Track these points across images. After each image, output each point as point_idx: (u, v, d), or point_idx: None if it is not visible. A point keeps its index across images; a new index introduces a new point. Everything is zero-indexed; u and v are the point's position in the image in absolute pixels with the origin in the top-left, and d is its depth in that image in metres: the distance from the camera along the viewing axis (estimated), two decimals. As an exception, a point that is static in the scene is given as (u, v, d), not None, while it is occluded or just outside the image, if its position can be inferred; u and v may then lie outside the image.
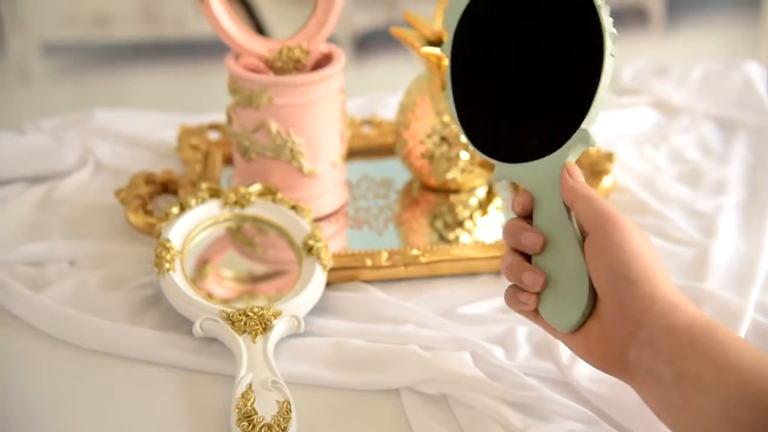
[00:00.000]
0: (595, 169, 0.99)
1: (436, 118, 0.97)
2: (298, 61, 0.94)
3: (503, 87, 0.68)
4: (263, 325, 0.76)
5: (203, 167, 1.04)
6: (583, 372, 0.73)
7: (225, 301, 0.83)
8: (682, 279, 0.85)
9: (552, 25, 0.66)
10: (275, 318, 0.77)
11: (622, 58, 1.33)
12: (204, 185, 0.88)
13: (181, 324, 0.81)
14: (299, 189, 0.94)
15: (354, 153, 1.07)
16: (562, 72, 0.65)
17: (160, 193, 0.99)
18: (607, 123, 1.13)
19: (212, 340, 0.79)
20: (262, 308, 0.77)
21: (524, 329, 0.79)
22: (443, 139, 0.97)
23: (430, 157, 0.98)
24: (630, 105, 1.18)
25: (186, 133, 1.08)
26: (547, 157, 0.67)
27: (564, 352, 0.75)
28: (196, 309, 0.78)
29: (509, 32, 0.68)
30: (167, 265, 0.81)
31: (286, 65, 0.94)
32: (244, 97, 0.92)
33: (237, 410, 0.69)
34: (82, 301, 0.84)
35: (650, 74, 1.25)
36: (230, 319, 0.76)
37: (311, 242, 0.85)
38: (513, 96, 0.68)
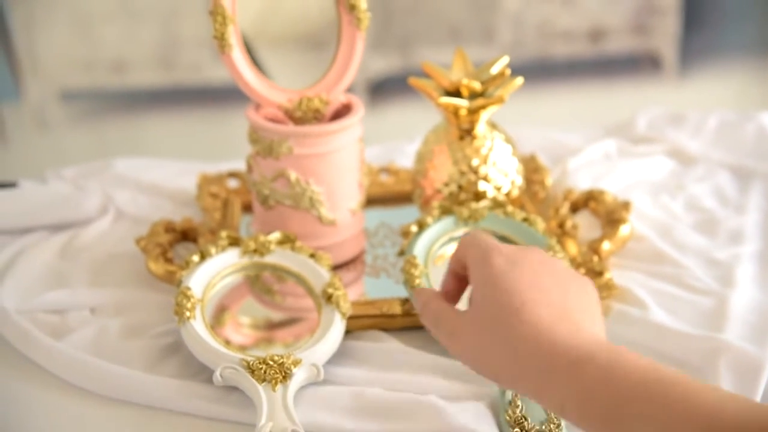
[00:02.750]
0: (612, 218, 0.99)
1: (454, 167, 0.98)
2: (317, 111, 0.95)
3: None
4: (283, 374, 0.77)
5: (222, 215, 1.05)
6: None
7: (243, 348, 0.83)
8: (701, 329, 0.85)
9: None
10: (295, 366, 0.77)
11: (636, 105, 1.35)
12: (224, 233, 0.89)
13: (201, 372, 0.82)
14: (318, 237, 0.95)
15: (372, 200, 1.08)
16: None
17: (179, 241, 1.00)
18: (623, 171, 1.14)
19: (232, 389, 0.79)
20: (282, 357, 0.77)
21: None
22: (461, 187, 0.98)
23: (447, 205, 0.99)
24: (646, 153, 1.19)
25: (205, 181, 1.09)
26: None
27: None
28: (217, 357, 0.78)
29: None
30: (188, 314, 0.81)
31: (305, 115, 0.95)
32: (264, 146, 0.93)
33: None
34: (103, 349, 0.84)
35: (665, 123, 1.26)
36: (250, 368, 0.77)
37: (330, 290, 0.85)
38: None
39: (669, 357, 0.82)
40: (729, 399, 0.53)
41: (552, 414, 0.74)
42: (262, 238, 0.89)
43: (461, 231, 0.93)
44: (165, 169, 1.17)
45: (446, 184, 0.98)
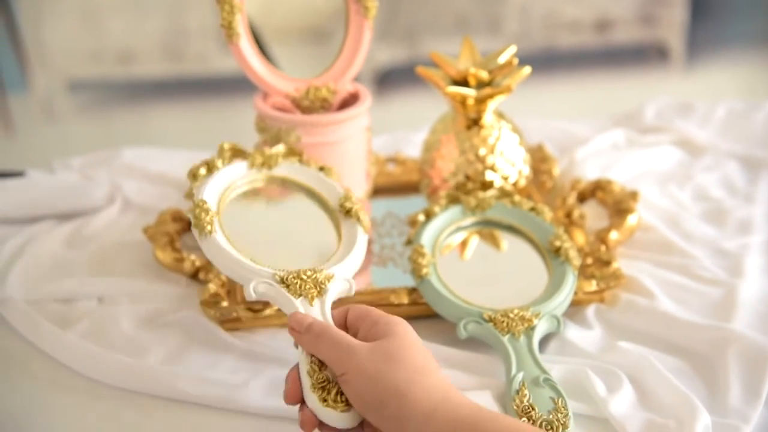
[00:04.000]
0: (619, 208, 0.99)
1: (461, 156, 0.98)
2: (325, 100, 0.95)
3: None
4: (318, 288, 0.74)
5: (229, 205, 1.05)
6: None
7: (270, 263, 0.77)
8: (709, 318, 0.85)
9: None
10: (328, 281, 0.75)
11: (643, 95, 1.34)
12: (226, 145, 0.85)
13: (211, 363, 0.82)
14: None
15: (379, 190, 1.08)
16: None
17: (187, 230, 1.00)
18: (630, 161, 1.14)
19: (246, 377, 0.79)
20: (314, 271, 0.75)
21: (555, 367, 0.79)
22: (468, 177, 0.98)
23: (455, 195, 0.99)
24: (653, 143, 1.19)
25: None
26: None
27: (599, 387, 0.76)
28: (247, 272, 0.75)
29: None
30: (208, 227, 0.77)
31: (313, 104, 0.95)
32: (272, 135, 0.93)
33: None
34: (110, 338, 0.84)
35: (673, 113, 1.26)
36: (285, 282, 0.73)
37: (348, 204, 0.82)
38: None
39: (677, 347, 0.82)
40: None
41: (560, 403, 0.74)
42: (267, 150, 0.85)
43: (469, 220, 0.93)
44: (172, 159, 1.17)
45: (453, 174, 0.98)
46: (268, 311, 0.87)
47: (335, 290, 0.75)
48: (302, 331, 0.68)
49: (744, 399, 0.75)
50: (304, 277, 0.74)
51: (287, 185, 0.85)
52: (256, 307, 0.87)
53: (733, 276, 0.91)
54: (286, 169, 0.85)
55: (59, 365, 0.83)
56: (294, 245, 0.83)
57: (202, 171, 0.82)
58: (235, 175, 0.83)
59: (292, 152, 0.87)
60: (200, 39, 2.75)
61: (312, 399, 0.66)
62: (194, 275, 0.93)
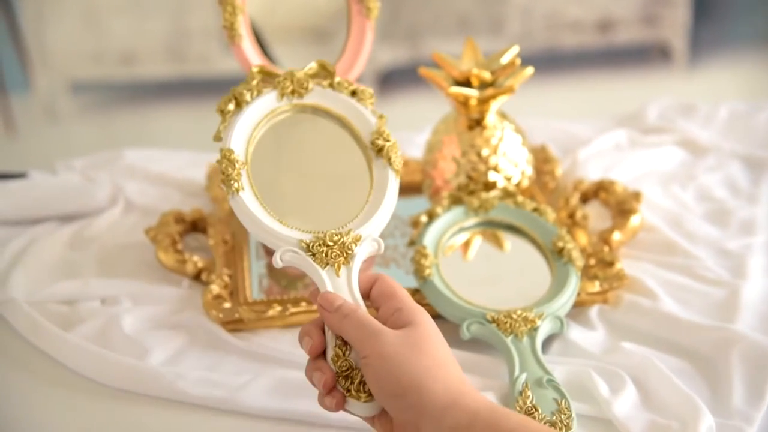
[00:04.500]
0: (622, 208, 0.99)
1: (464, 157, 0.98)
2: (327, 101, 0.95)
3: None
4: (345, 255, 0.71)
5: (232, 206, 1.05)
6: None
7: (295, 219, 0.73)
8: (712, 319, 0.85)
9: None
10: (356, 244, 0.71)
11: (646, 96, 1.34)
12: (255, 68, 0.78)
13: (213, 364, 0.82)
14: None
15: (381, 191, 1.08)
16: None
17: (189, 231, 1.00)
18: (633, 161, 1.13)
19: (247, 379, 0.79)
20: (340, 235, 0.71)
21: (558, 369, 0.79)
22: (470, 178, 0.97)
23: (457, 196, 0.98)
24: (656, 144, 1.18)
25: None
26: None
27: (603, 388, 0.76)
28: (273, 237, 0.71)
29: None
30: (235, 185, 0.72)
31: (315, 105, 0.94)
32: (274, 136, 0.92)
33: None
34: (113, 340, 0.84)
35: (676, 113, 1.25)
36: (311, 250, 0.70)
37: (379, 142, 0.76)
38: None
39: (680, 347, 0.82)
40: None
41: (563, 404, 0.74)
42: (298, 73, 0.79)
43: (471, 221, 0.93)
44: (174, 160, 1.17)
45: (456, 175, 0.98)
46: (270, 312, 0.87)
47: (363, 253, 0.72)
48: (331, 311, 0.67)
49: (747, 400, 0.75)
50: (331, 243, 0.70)
51: (318, 114, 0.79)
52: (259, 309, 0.87)
53: (736, 276, 0.91)
54: (317, 96, 0.79)
55: (61, 366, 0.83)
56: (326, 193, 0.78)
57: (231, 106, 0.76)
58: (265, 109, 0.77)
59: (324, 68, 0.80)
60: (202, 40, 2.74)
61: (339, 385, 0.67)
62: (196, 276, 0.93)
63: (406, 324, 0.66)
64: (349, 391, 0.66)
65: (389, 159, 0.76)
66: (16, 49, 2.74)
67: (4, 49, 2.69)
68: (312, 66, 0.80)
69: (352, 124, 0.78)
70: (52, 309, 0.89)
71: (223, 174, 0.72)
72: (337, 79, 0.79)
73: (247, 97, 0.77)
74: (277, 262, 0.71)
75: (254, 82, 0.77)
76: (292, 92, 0.78)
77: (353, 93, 0.80)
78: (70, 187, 1.09)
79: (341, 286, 0.70)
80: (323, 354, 0.68)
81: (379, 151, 0.77)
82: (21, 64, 2.76)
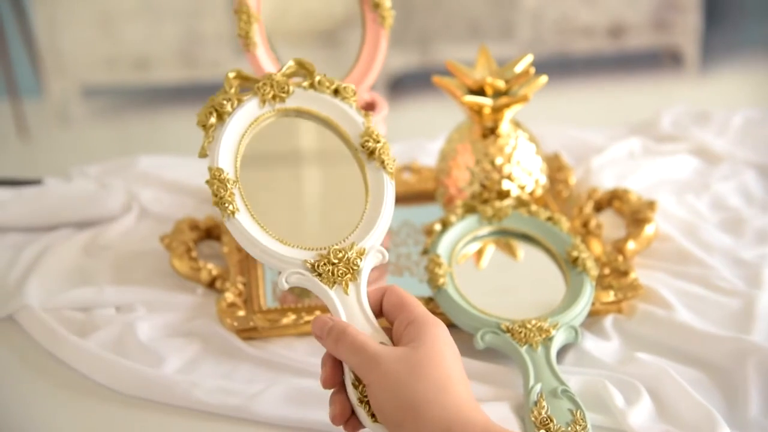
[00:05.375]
0: (636, 217, 0.99)
1: (477, 165, 0.98)
2: (341, 109, 0.95)
3: None
4: (351, 271, 0.68)
5: (246, 213, 1.05)
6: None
7: (294, 235, 0.70)
8: (728, 330, 0.84)
9: None
10: (361, 258, 0.69)
11: (657, 102, 1.34)
12: (231, 74, 0.75)
13: (227, 372, 0.82)
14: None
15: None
16: None
17: (203, 238, 1.00)
18: (647, 170, 1.13)
19: (261, 387, 0.79)
20: (344, 250, 0.69)
21: (573, 379, 0.79)
22: (484, 186, 0.97)
23: (471, 204, 0.98)
24: (670, 152, 1.18)
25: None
26: None
27: (618, 399, 0.75)
28: (276, 260, 0.68)
29: None
30: (229, 207, 0.69)
31: (329, 113, 0.95)
32: (288, 145, 0.92)
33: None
34: (127, 346, 0.84)
35: (690, 121, 1.25)
36: (316, 270, 0.68)
37: (370, 144, 0.73)
38: None
39: (695, 358, 0.82)
40: None
41: (578, 415, 0.74)
42: (275, 75, 0.75)
43: (485, 230, 0.93)
44: (188, 167, 1.17)
45: (470, 183, 0.98)
46: (285, 320, 0.87)
47: (369, 266, 0.70)
48: (324, 336, 0.66)
49: (763, 411, 0.75)
50: (336, 261, 0.68)
51: (303, 117, 0.75)
52: (273, 317, 0.87)
53: (751, 286, 0.90)
54: (299, 98, 0.75)
55: (76, 373, 0.83)
56: (321, 203, 0.77)
57: (212, 120, 0.73)
58: (248, 118, 0.73)
59: (302, 66, 0.76)
60: (215, 45, 2.75)
61: (361, 413, 0.65)
62: (211, 284, 0.93)
63: (413, 340, 0.64)
64: (374, 416, 0.64)
65: (382, 162, 0.73)
66: (29, 54, 2.75)
67: (17, 54, 2.70)
68: (290, 65, 0.76)
69: (338, 126, 0.75)
70: (67, 316, 0.89)
71: (214, 196, 0.69)
72: (317, 77, 0.76)
73: (228, 107, 0.73)
74: (283, 284, 0.68)
75: (232, 90, 0.74)
76: (273, 97, 0.75)
77: (336, 92, 0.76)
78: (85, 194, 1.09)
79: (351, 303, 0.68)
80: (341, 381, 0.66)
81: (371, 153, 0.73)
82: (34, 69, 2.77)
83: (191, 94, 2.83)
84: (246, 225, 0.69)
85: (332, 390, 0.67)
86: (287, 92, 0.75)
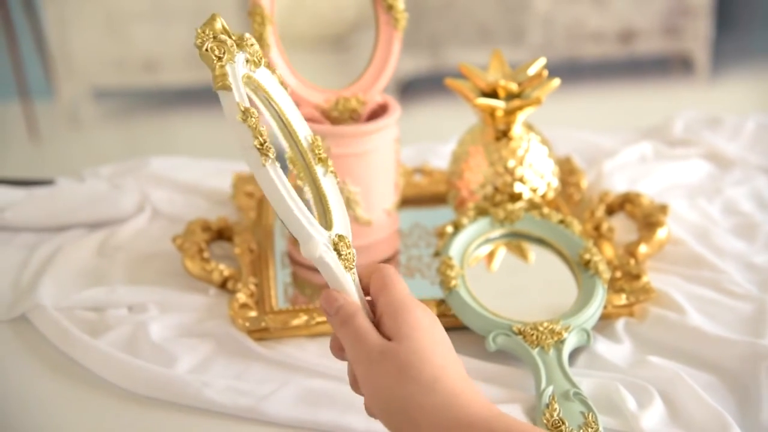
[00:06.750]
0: (648, 221, 0.99)
1: (490, 168, 0.98)
2: (354, 111, 0.95)
3: None
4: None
5: (257, 214, 1.05)
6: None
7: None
8: (740, 334, 0.84)
9: None
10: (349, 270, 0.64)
11: (668, 107, 1.34)
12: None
13: (239, 373, 0.82)
14: (354, 237, 0.94)
15: (406, 201, 1.08)
16: None
17: (215, 239, 1.00)
18: (659, 174, 1.13)
19: (272, 386, 0.79)
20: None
21: (585, 382, 0.79)
22: (496, 189, 0.97)
23: (483, 207, 0.98)
24: (682, 156, 1.18)
25: (240, 181, 1.10)
26: None
27: (630, 402, 0.75)
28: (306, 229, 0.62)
29: None
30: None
31: (342, 115, 0.95)
32: (301, 146, 0.92)
33: None
34: (139, 346, 0.85)
35: (702, 126, 1.25)
36: (337, 250, 0.63)
37: (318, 151, 0.67)
38: None
39: (708, 362, 0.82)
40: None
41: (590, 417, 0.74)
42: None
43: (497, 232, 0.93)
44: (200, 168, 1.18)
45: (482, 186, 0.98)
46: (296, 321, 0.87)
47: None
48: (331, 313, 0.63)
49: (776, 416, 0.75)
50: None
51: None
52: (285, 318, 0.87)
53: (764, 291, 0.90)
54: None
55: (88, 373, 0.83)
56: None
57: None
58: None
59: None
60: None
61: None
62: (223, 285, 0.93)
63: (391, 334, 0.61)
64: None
65: (324, 162, 0.67)
66: (40, 56, 2.77)
67: (28, 57, 2.72)
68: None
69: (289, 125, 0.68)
70: (79, 316, 0.89)
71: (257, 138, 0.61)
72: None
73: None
74: (314, 253, 0.62)
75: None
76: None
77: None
78: (97, 194, 1.09)
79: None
80: None
81: (321, 161, 0.67)
82: (45, 71, 2.78)
83: (201, 96, 2.83)
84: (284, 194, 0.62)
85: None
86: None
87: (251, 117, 0.61)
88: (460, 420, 0.58)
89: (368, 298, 0.65)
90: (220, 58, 0.62)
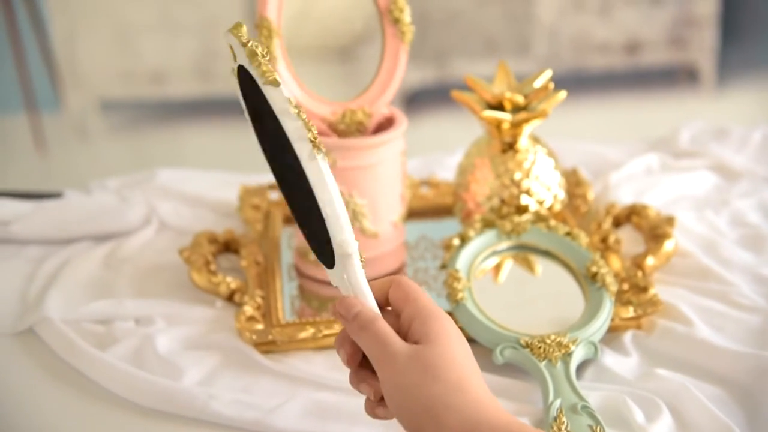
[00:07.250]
0: (655, 233, 0.98)
1: (496, 180, 0.98)
2: (360, 123, 0.95)
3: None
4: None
5: (264, 227, 1.05)
6: None
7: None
8: (748, 346, 0.84)
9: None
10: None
11: (673, 118, 1.34)
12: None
13: (246, 386, 0.82)
14: (360, 250, 0.95)
15: (412, 213, 1.08)
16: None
17: (222, 252, 1.00)
18: (666, 186, 1.13)
19: (279, 399, 0.79)
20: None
21: (593, 395, 0.78)
22: (503, 201, 0.97)
23: (490, 219, 0.98)
24: (689, 168, 1.18)
25: (247, 193, 1.10)
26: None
27: (638, 415, 0.75)
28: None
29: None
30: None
31: (348, 128, 0.95)
32: (307, 159, 0.93)
33: None
34: (146, 359, 0.85)
35: (709, 137, 1.25)
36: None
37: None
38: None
39: (715, 375, 0.81)
40: None
41: (598, 430, 0.74)
42: None
43: (504, 245, 0.93)
44: (207, 181, 1.18)
45: (488, 198, 0.98)
46: (303, 334, 0.87)
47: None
48: (349, 319, 0.64)
49: (785, 429, 0.75)
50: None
51: None
52: (292, 331, 0.87)
53: (772, 303, 0.90)
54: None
55: (95, 385, 0.83)
56: None
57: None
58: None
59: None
60: (232, 59, 2.77)
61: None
62: (230, 297, 0.93)
63: (420, 339, 0.63)
64: None
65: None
66: (48, 68, 2.78)
67: (35, 68, 2.73)
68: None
69: None
70: (86, 328, 0.89)
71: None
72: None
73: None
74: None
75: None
76: None
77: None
78: (105, 207, 1.10)
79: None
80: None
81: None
82: (52, 82, 2.79)
83: (208, 108, 2.84)
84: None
85: (358, 370, 0.66)
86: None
87: (302, 111, 0.62)
88: (484, 422, 0.60)
89: (388, 308, 0.67)
90: (264, 55, 0.63)
